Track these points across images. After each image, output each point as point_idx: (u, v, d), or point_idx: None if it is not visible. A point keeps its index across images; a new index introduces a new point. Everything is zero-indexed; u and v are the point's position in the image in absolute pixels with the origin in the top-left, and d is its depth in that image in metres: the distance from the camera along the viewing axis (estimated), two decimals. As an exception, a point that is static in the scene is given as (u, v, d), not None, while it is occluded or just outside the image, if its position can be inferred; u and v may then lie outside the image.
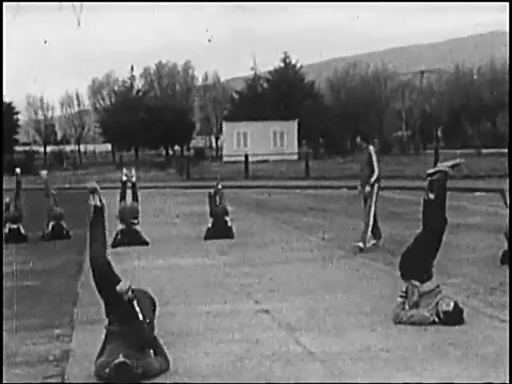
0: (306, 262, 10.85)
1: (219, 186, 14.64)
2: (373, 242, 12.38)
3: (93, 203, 5.97)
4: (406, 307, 6.99)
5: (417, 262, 7.02)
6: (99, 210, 5.99)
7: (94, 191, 5.98)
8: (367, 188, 12.37)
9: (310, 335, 6.66)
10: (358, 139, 13.27)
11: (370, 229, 12.20)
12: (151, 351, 5.77)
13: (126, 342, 5.56)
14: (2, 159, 19.25)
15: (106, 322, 5.84)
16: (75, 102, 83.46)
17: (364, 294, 8.36)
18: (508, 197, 10.23)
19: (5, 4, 14.43)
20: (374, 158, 12.48)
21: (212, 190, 14.49)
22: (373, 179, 12.40)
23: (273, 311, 7.65)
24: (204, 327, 7.07)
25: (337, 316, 7.34)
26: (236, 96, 77.11)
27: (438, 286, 6.98)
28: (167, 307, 7.83)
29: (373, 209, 12.31)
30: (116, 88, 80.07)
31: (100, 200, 6.00)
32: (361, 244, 12.00)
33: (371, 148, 12.78)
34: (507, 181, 10.57)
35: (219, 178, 15.36)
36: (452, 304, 6.84)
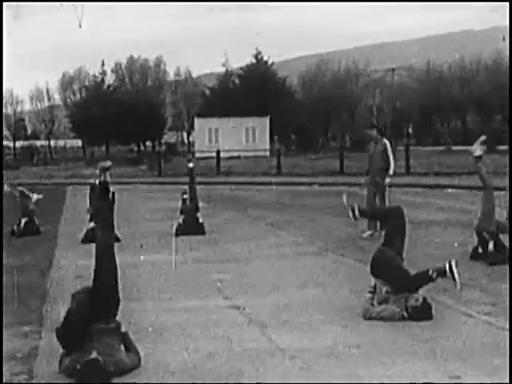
0: (278, 258, 10.86)
1: (190, 165, 14.51)
2: (369, 232, 12.64)
3: (100, 180, 6.16)
4: (375, 303, 7.05)
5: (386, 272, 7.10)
6: (107, 186, 6.27)
7: (108, 169, 6.18)
8: (387, 179, 12.88)
9: (280, 331, 6.67)
10: (374, 132, 13.35)
11: None
12: (122, 347, 5.75)
13: (97, 339, 5.53)
14: (1, 159, 19.09)
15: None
16: (45, 96, 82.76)
17: (335, 290, 8.39)
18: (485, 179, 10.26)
19: None
20: (390, 150, 12.94)
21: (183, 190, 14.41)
22: (392, 170, 12.97)
23: (243, 307, 7.65)
24: (174, 323, 7.06)
25: (308, 312, 7.37)
26: (208, 92, 76.96)
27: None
28: (138, 303, 7.81)
29: (387, 198, 12.85)
30: (87, 83, 79.46)
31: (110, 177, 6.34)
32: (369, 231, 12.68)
33: (386, 141, 13.16)
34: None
35: (190, 157, 15.22)
36: (421, 299, 6.90)
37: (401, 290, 6.97)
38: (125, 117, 66.75)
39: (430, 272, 7.04)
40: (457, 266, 7.03)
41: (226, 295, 8.30)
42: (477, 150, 10.04)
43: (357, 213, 7.59)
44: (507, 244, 9.90)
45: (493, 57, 75.78)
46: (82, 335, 5.57)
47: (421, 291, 7.13)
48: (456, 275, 6.97)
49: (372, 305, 7.04)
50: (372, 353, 5.94)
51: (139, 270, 10.04)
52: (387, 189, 13.11)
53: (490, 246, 9.85)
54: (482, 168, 10.11)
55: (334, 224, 14.77)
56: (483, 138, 10.35)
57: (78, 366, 5.32)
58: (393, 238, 7.32)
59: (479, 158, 10.03)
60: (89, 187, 13.62)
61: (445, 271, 7.00)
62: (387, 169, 12.99)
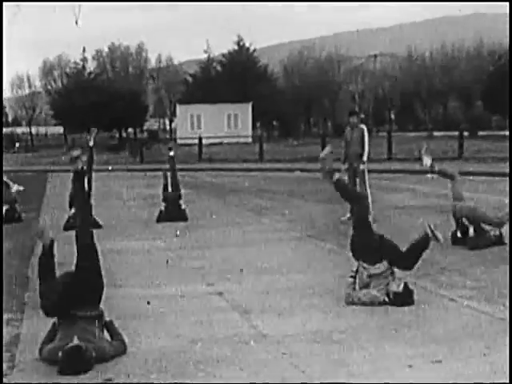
0: (260, 243, 10.85)
1: (171, 153, 14.46)
2: (348, 215, 12.72)
3: (74, 168, 6.20)
4: (357, 287, 7.05)
5: (365, 244, 7.12)
6: (81, 174, 6.26)
7: (77, 157, 6.19)
8: (361, 165, 12.90)
9: (263, 317, 6.66)
10: (355, 118, 13.41)
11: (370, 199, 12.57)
12: (106, 335, 5.72)
13: (78, 326, 5.50)
14: (1, 156, 18.98)
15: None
16: (26, 83, 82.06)
17: (317, 276, 8.39)
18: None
19: None
20: (367, 137, 13.03)
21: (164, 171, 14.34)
22: (365, 156, 13.05)
23: (226, 293, 7.64)
24: (157, 310, 7.02)
25: (290, 297, 7.36)
26: (189, 79, 76.67)
27: (389, 268, 7.04)
28: (120, 290, 7.76)
29: (367, 183, 12.90)
30: (68, 70, 78.86)
31: (82, 165, 6.26)
32: (348, 214, 12.46)
33: (363, 126, 13.28)
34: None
35: (170, 146, 15.10)
36: (402, 285, 6.92)
37: (400, 267, 7.09)
38: (106, 104, 66.32)
39: (417, 240, 7.18)
40: (435, 227, 7.25)
41: (208, 281, 8.28)
42: (427, 161, 10.35)
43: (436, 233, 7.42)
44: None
45: (474, 44, 76.03)
46: (64, 317, 5.58)
47: (401, 275, 7.15)
48: (436, 232, 7.17)
49: (354, 289, 7.05)
50: (355, 338, 5.94)
51: (121, 257, 9.99)
52: (366, 174, 13.15)
53: (471, 230, 9.89)
54: (436, 167, 10.39)
55: (315, 210, 14.79)
56: (425, 147, 10.72)
57: (60, 354, 5.28)
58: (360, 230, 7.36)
59: (432, 165, 10.34)
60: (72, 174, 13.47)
61: (427, 234, 7.14)
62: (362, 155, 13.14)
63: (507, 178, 18.65)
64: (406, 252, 7.18)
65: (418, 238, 7.26)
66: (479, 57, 72.35)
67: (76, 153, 6.27)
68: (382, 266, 6.98)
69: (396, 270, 7.14)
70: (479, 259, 9.11)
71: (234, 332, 6.20)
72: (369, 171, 13.43)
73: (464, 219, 10.04)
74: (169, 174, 14.13)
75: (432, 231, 7.17)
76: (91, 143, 13.46)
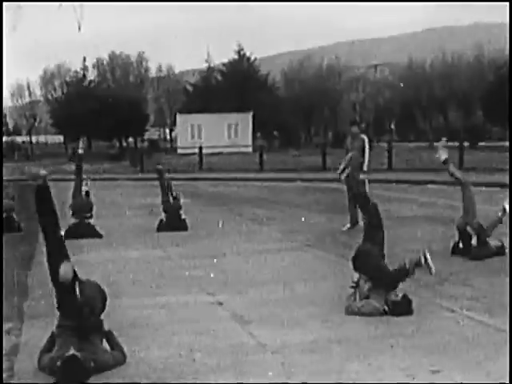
0: (260, 253, 10.86)
1: (158, 166, 14.49)
2: (348, 226, 12.82)
3: (36, 183, 5.93)
4: (357, 298, 7.07)
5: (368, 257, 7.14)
6: (44, 189, 5.91)
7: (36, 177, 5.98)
8: (362, 175, 12.96)
9: (262, 327, 6.67)
10: (356, 128, 13.50)
11: None
12: (105, 345, 5.73)
13: (76, 336, 5.51)
14: (1, 157, 19.02)
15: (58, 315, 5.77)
16: (26, 92, 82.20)
17: (317, 286, 8.41)
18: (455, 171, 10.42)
19: None
20: (367, 147, 13.08)
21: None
22: (365, 166, 13.10)
23: (226, 303, 7.65)
24: (156, 320, 7.04)
25: (289, 308, 7.37)
26: (190, 88, 76.78)
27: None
28: (120, 300, 7.77)
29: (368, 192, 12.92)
30: (68, 79, 78.99)
31: (45, 181, 5.96)
32: (348, 225, 13.13)
33: (364, 136, 13.35)
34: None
35: (168, 168, 15.20)
36: (401, 295, 6.94)
37: (380, 286, 7.01)
38: (106, 113, 66.40)
39: (407, 265, 7.13)
40: (430, 255, 7.19)
41: (208, 291, 8.29)
42: (441, 154, 10.21)
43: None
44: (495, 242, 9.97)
45: (474, 53, 76.16)
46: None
47: (401, 285, 7.17)
48: (430, 263, 7.13)
49: (354, 300, 7.07)
50: (353, 348, 5.96)
51: (121, 266, 10.00)
52: (367, 184, 13.18)
53: (474, 240, 9.89)
54: (450, 166, 10.24)
55: (315, 219, 14.81)
56: (444, 140, 10.57)
57: (58, 363, 5.29)
58: (372, 234, 7.38)
59: (446, 161, 10.20)
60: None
61: (420, 262, 7.10)
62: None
63: (507, 189, 18.71)
64: (390, 274, 7.14)
65: (409, 264, 7.17)
66: (479, 66, 72.46)
67: (39, 174, 6.08)
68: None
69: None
70: (480, 270, 9.13)
71: (234, 342, 6.22)
72: (369, 181, 13.46)
73: (469, 228, 9.97)
74: (167, 183, 14.19)
75: (426, 260, 7.15)
76: (80, 151, 13.64)
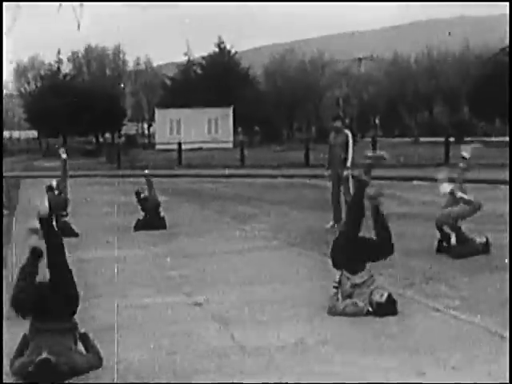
0: (241, 252, 10.85)
1: (63, 156, 14.43)
2: (331, 223, 12.88)
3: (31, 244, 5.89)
4: (340, 298, 7.08)
5: (346, 252, 7.14)
6: (36, 254, 5.88)
7: (35, 232, 5.94)
8: (345, 172, 12.94)
9: (243, 328, 6.66)
10: (339, 123, 13.49)
11: None
12: (81, 348, 5.69)
13: (50, 338, 5.46)
14: (1, 157, 19.02)
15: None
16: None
17: (299, 286, 8.41)
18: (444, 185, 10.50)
19: None
20: (351, 142, 13.10)
21: (137, 189, 14.36)
22: (349, 162, 13.07)
23: (205, 304, 7.64)
24: (135, 321, 7.01)
25: (271, 308, 7.37)
26: (169, 82, 76.58)
27: (371, 277, 7.07)
28: (96, 301, 7.73)
29: (352, 189, 12.87)
30: (42, 72, 78.45)
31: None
32: (331, 222, 13.10)
33: (348, 132, 13.35)
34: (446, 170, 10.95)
35: (146, 164, 15.23)
36: (385, 295, 6.94)
37: (380, 256, 7.19)
38: (82, 107, 65.95)
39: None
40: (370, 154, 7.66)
41: (187, 291, 8.27)
42: (445, 188, 10.36)
43: None
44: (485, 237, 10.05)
45: (460, 48, 76.58)
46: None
47: (386, 285, 7.18)
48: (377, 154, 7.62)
49: (337, 300, 7.07)
50: (337, 349, 5.96)
51: (97, 266, 9.95)
52: (351, 180, 13.13)
53: (453, 239, 9.97)
54: (457, 193, 10.26)
55: (298, 217, 14.82)
56: (443, 173, 10.71)
57: (30, 368, 5.24)
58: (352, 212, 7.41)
59: (464, 158, 10.37)
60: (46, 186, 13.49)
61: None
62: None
63: (495, 185, 18.81)
64: (379, 239, 7.22)
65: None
66: (465, 61, 72.86)
67: (33, 225, 6.04)
68: (365, 275, 7.01)
69: (378, 278, 7.19)
70: (464, 268, 9.18)
71: (214, 344, 6.20)
72: (353, 177, 13.48)
73: (445, 227, 10.10)
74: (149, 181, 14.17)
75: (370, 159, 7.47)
76: (64, 156, 13.62)
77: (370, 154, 7.81)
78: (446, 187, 10.35)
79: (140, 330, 6.70)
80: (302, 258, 10.39)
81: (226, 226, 13.87)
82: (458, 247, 9.88)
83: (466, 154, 10.52)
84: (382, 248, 7.22)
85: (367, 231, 7.38)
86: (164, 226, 13.55)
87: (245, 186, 24.26)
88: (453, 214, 10.09)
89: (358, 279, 6.99)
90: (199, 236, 12.66)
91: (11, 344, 5.97)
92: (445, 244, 10.11)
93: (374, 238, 7.26)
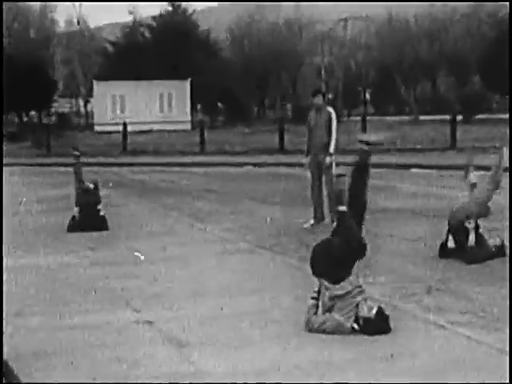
0: (201, 258, 10.88)
1: (76, 153, 14.43)
2: (311, 222, 13.08)
3: None
4: (319, 312, 7.12)
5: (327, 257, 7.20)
6: None
7: None
8: (328, 159, 12.94)
9: (203, 351, 6.69)
10: (321, 99, 13.47)
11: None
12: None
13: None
14: (1, 155, 19.18)
15: None
16: None
17: (272, 298, 8.44)
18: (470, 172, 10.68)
19: None
20: (335, 122, 13.07)
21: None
22: (332, 147, 13.12)
23: (157, 322, 7.65)
24: (69, 344, 6.99)
25: (238, 326, 7.40)
26: (110, 48, 76.21)
27: (358, 287, 7.10)
28: (23, 320, 7.71)
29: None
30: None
31: None
32: (312, 221, 13.17)
33: (331, 109, 13.33)
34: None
35: (75, 146, 15.18)
36: (375, 309, 6.98)
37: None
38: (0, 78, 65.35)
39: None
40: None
41: (134, 307, 8.27)
42: (473, 177, 10.48)
43: None
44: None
45: (470, 4, 76.97)
46: None
47: (377, 296, 7.24)
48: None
49: (315, 314, 7.12)
50: (317, 375, 6.01)
51: (24, 277, 9.91)
52: (334, 169, 13.11)
53: (471, 238, 9.99)
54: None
55: (271, 215, 14.85)
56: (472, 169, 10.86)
57: None
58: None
59: (474, 185, 10.47)
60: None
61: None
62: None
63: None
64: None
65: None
66: (476, 21, 73.34)
67: None
68: (348, 285, 7.02)
69: (368, 288, 7.25)
70: (474, 275, 9.27)
71: (168, 370, 6.22)
72: (338, 165, 13.52)
73: (468, 223, 10.08)
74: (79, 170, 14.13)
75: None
76: None
77: (364, 137, 7.78)
78: (473, 177, 10.54)
79: (75, 356, 6.68)
80: (276, 264, 10.43)
81: (183, 227, 13.88)
82: (471, 250, 9.92)
83: (474, 181, 10.64)
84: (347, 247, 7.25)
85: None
86: (105, 227, 13.53)
87: (205, 176, 24.27)
88: (476, 209, 10.16)
89: (339, 290, 7.01)
90: (149, 239, 12.65)
91: None
92: (450, 245, 10.15)
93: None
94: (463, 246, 10.04)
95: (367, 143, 7.68)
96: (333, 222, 11.13)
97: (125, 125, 38.33)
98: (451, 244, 10.20)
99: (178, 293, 8.87)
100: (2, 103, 51.06)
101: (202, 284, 9.30)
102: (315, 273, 7.30)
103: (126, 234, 13.12)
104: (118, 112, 58.96)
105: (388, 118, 60.22)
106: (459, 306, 7.90)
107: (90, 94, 72.57)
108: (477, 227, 10.10)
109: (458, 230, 10.16)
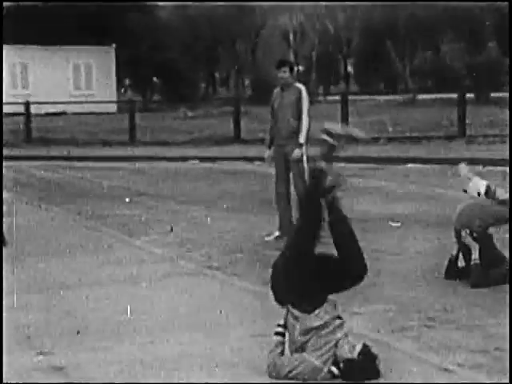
0: (130, 283, 10.86)
1: None
2: (276, 233, 13.29)
3: None
4: (287, 351, 7.11)
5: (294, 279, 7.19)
6: None
7: None
8: (297, 151, 12.95)
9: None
10: (287, 72, 13.40)
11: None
12: None
13: None
14: (1, 154, 19.18)
15: None
16: None
17: (226, 335, 8.44)
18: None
19: None
20: (306, 103, 13.10)
21: None
22: (303, 136, 13.16)
23: (69, 367, 7.60)
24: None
25: (178, 373, 7.37)
26: (6, 3, 75.77)
27: (337, 318, 7.11)
28: None
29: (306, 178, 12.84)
30: None
31: None
32: (277, 232, 13.28)
33: (301, 86, 13.35)
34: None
35: None
36: (358, 347, 6.98)
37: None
38: None
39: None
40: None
41: (39, 348, 8.22)
42: (481, 186, 10.31)
43: None
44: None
45: None
46: None
47: (362, 330, 7.25)
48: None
49: (281, 355, 7.09)
50: None
51: None
52: (306, 164, 13.12)
53: (475, 255, 10.04)
54: (495, 192, 10.35)
55: (224, 224, 14.88)
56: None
57: None
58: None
59: (489, 192, 10.33)
60: None
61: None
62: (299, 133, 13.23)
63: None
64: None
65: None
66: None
67: None
68: (326, 315, 7.01)
69: (349, 319, 7.26)
70: (487, 302, 9.33)
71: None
72: (308, 159, 13.56)
73: (465, 234, 10.12)
74: None
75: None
76: None
77: (329, 126, 7.69)
78: (480, 185, 10.41)
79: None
80: (229, 289, 10.45)
81: (106, 241, 13.85)
82: (477, 268, 9.96)
83: (482, 189, 10.54)
84: (345, 270, 7.20)
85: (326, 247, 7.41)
86: (1, 242, 13.47)
87: (136, 174, 24.28)
88: (486, 215, 10.16)
89: (314, 321, 7.01)
90: (59, 257, 12.61)
91: None
92: (462, 265, 10.18)
93: (335, 255, 7.26)
94: (468, 265, 10.10)
95: (329, 134, 7.49)
96: None
97: (28, 104, 37.98)
98: (461, 262, 10.24)
99: (100, 329, 8.83)
100: (1, 103, 51.75)
101: (133, 317, 9.26)
102: (278, 299, 7.29)
103: (30, 252, 13.06)
104: (19, 88, 58.61)
105: (377, 97, 60.46)
106: (469, 343, 7.95)
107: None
108: (489, 239, 10.12)
109: (462, 243, 10.20)
